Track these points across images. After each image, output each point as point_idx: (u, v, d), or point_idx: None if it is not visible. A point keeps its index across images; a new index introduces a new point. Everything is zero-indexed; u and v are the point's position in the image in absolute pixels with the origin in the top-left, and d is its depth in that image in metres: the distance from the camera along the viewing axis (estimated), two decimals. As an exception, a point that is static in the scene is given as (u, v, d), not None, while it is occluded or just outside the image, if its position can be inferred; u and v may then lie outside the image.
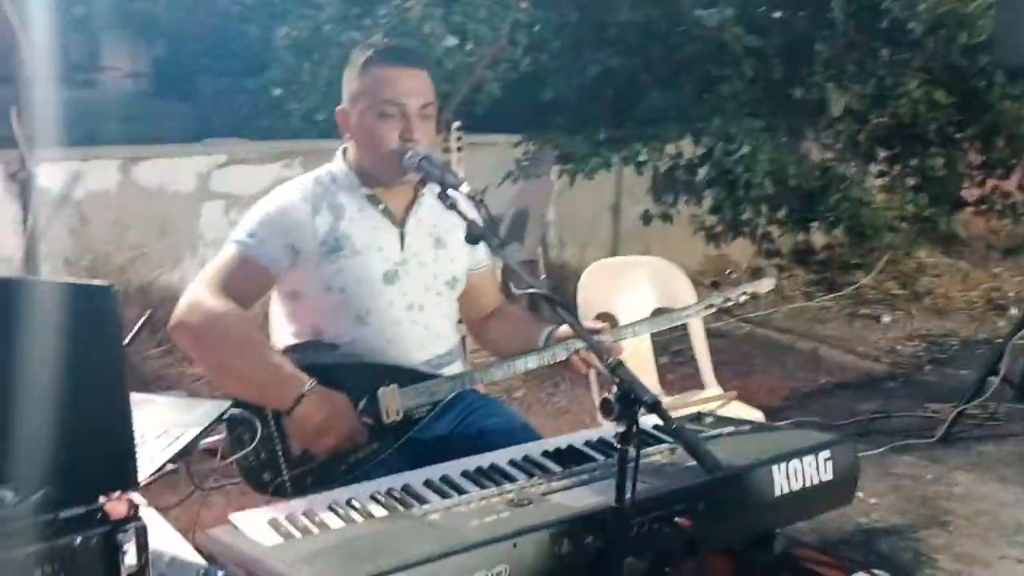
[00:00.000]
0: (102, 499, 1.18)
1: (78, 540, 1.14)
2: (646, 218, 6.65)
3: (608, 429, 1.83)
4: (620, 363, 1.46)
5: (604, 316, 2.86)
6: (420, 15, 5.76)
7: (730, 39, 6.29)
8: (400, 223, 2.10)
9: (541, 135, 6.20)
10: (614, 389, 1.44)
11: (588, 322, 2.11)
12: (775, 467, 1.64)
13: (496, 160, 6.03)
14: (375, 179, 2.07)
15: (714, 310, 2.28)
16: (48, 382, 1.16)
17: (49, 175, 4.57)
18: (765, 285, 2.43)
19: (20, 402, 1.17)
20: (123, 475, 1.20)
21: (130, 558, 1.19)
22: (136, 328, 2.06)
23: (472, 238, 1.79)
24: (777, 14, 6.88)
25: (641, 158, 6.40)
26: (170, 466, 1.31)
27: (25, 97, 3.56)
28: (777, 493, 1.64)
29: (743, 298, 2.34)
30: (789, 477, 1.65)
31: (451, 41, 5.70)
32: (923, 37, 6.55)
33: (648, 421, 1.79)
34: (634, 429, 1.41)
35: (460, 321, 2.26)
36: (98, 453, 1.19)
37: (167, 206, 5.06)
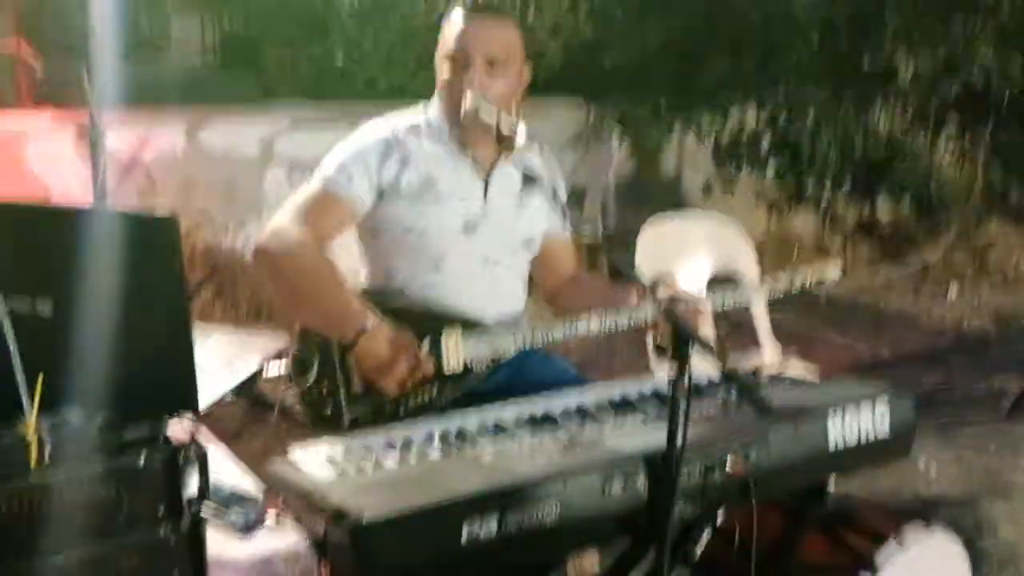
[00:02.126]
0: (165, 421, 1.22)
1: (141, 461, 1.18)
2: (707, 189, 6.58)
3: (660, 381, 1.83)
4: (675, 302, 1.46)
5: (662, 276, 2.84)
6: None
7: (796, 7, 6.16)
8: (486, 175, 2.11)
9: (602, 102, 6.16)
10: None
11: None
12: (830, 415, 1.63)
13: (558, 126, 6.01)
14: (459, 128, 2.08)
15: (779, 295, 2.22)
16: (114, 307, 1.20)
17: (119, 137, 4.68)
18: (831, 273, 2.35)
19: (87, 326, 1.21)
20: (186, 399, 1.23)
21: (192, 481, 1.23)
22: (199, 281, 2.11)
23: (528, 181, 1.79)
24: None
25: (703, 126, 6.32)
26: (230, 396, 1.34)
27: (96, 62, 3.65)
28: (832, 442, 1.63)
29: (808, 284, 2.27)
30: (844, 426, 1.63)
31: (514, 7, 5.68)
32: (997, 2, 6.34)
33: (703, 375, 1.80)
34: (687, 369, 1.41)
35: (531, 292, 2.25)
36: (161, 377, 1.23)
37: (232, 170, 5.15)
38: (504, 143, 1.91)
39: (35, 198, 4.51)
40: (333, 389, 1.95)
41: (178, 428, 1.23)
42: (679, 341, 1.39)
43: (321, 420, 1.96)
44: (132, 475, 1.19)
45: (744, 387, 1.40)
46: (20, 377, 1.16)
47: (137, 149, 4.88)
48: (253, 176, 5.23)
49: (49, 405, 1.18)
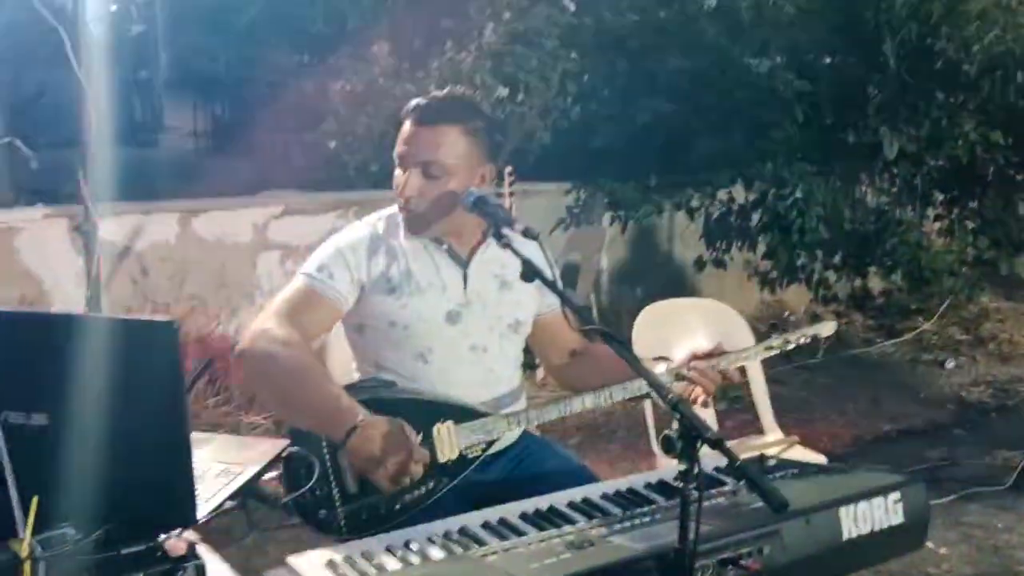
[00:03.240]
0: (162, 537, 1.18)
1: (139, 577, 1.13)
2: (699, 264, 6.60)
3: (667, 472, 1.80)
4: (681, 399, 1.44)
5: (660, 360, 2.82)
6: (471, 67, 5.85)
7: (781, 85, 6.27)
8: (464, 264, 2.11)
9: (592, 182, 6.22)
10: (674, 426, 1.42)
11: (648, 360, 2.08)
12: (843, 508, 1.59)
13: (548, 208, 6.05)
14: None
15: (775, 352, 2.24)
16: (111, 419, 1.17)
17: (112, 228, 4.68)
18: (827, 328, 2.38)
19: (83, 439, 1.18)
20: (182, 513, 1.20)
21: (190, 596, 1.18)
22: (194, 377, 2.09)
23: (528, 276, 1.79)
24: (828, 59, 6.85)
25: (693, 204, 6.38)
26: (228, 504, 1.31)
27: (90, 154, 3.68)
28: (845, 536, 1.59)
29: (804, 340, 2.29)
30: (858, 519, 1.60)
31: (502, 91, 5.77)
32: (978, 78, 6.46)
33: (709, 463, 1.77)
34: (696, 466, 1.38)
35: (538, 365, 2.24)
36: (158, 490, 1.20)
37: (225, 257, 5.15)
38: (501, 227, 1.90)
39: (27, 293, 4.49)
40: (327, 491, 1.91)
41: (175, 541, 1.19)
42: (688, 438, 1.36)
43: (318, 523, 1.92)
44: (128, 593, 1.14)
45: (755, 482, 1.36)
46: (14, 493, 1.12)
47: (130, 238, 4.88)
48: (246, 262, 5.22)
49: (43, 521, 1.14)
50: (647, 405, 3.04)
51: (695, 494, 1.39)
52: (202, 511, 1.27)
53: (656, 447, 2.97)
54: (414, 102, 2.08)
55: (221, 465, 1.43)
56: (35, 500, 1.09)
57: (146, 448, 1.17)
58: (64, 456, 1.17)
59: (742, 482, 1.53)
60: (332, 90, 6.30)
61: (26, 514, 1.11)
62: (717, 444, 1.37)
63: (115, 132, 4.46)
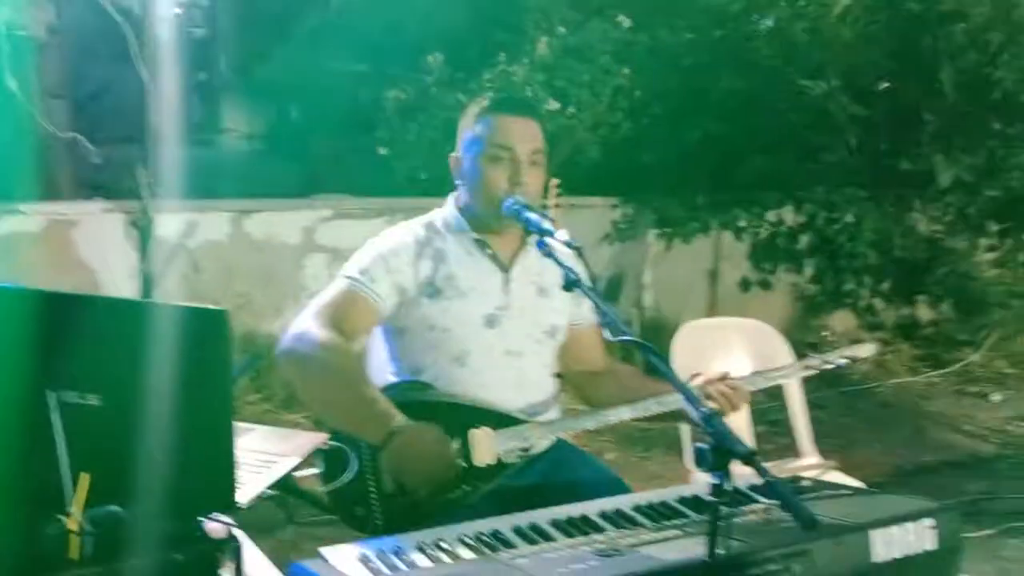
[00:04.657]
0: (203, 519, 1.22)
1: (181, 556, 1.17)
2: (744, 284, 6.57)
3: (699, 486, 1.81)
4: (715, 413, 1.45)
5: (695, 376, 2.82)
6: (523, 79, 5.88)
7: (835, 108, 6.22)
8: (506, 268, 2.14)
9: (639, 198, 6.23)
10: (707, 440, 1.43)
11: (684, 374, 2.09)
12: (874, 531, 1.59)
13: (593, 222, 6.07)
14: (483, 224, 2.13)
15: (812, 372, 2.23)
16: (161, 402, 1.21)
17: (166, 225, 4.80)
18: (865, 350, 2.37)
19: (132, 420, 1.22)
20: (223, 497, 1.24)
21: (227, 577, 1.22)
22: (238, 372, 2.13)
23: (568, 285, 1.81)
24: (883, 85, 6.79)
25: (740, 224, 6.36)
26: (267, 492, 1.35)
27: (151, 152, 3.78)
28: (875, 558, 1.58)
29: (843, 361, 2.28)
30: (889, 543, 1.59)
31: (553, 105, 5.80)
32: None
33: (742, 480, 1.78)
34: (727, 481, 1.39)
35: (559, 375, 2.26)
36: (202, 474, 1.24)
37: (273, 257, 5.24)
38: (544, 236, 1.93)
39: (80, 283, 4.61)
40: (364, 489, 1.94)
41: (215, 524, 1.23)
42: (720, 453, 1.37)
43: (353, 519, 1.95)
44: (172, 570, 1.19)
45: (786, 499, 1.37)
46: (65, 470, 1.17)
47: (183, 235, 4.99)
48: (293, 263, 5.31)
49: (90, 497, 1.19)
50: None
51: (725, 508, 1.40)
52: (242, 498, 1.30)
53: (689, 463, 2.97)
54: (490, 97, 2.13)
55: (262, 455, 1.47)
56: (86, 477, 1.13)
57: (192, 432, 1.22)
58: (114, 436, 1.21)
59: (775, 500, 1.54)
60: (386, 98, 6.38)
61: (75, 488, 1.15)
62: (749, 459, 1.38)
63: (174, 131, 4.58)
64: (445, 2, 7.31)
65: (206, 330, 1.20)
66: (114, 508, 1.18)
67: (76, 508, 1.14)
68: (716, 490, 1.40)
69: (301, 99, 9.42)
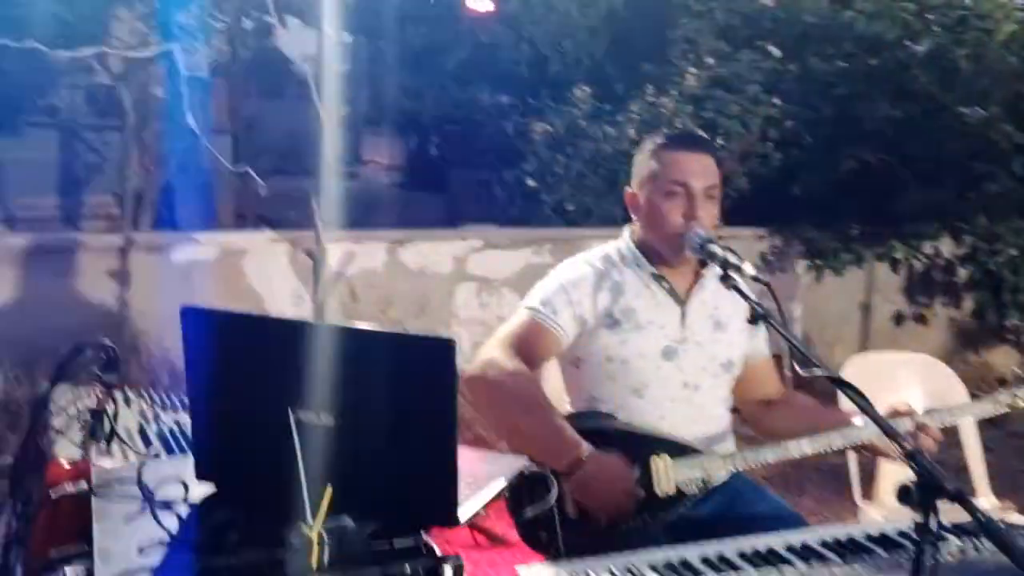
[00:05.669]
0: (426, 534, 1.29)
1: (408, 568, 1.25)
2: (898, 318, 6.37)
3: (887, 525, 1.78)
4: (919, 450, 1.43)
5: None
6: (672, 111, 5.91)
7: (997, 136, 5.99)
8: (682, 302, 2.17)
9: (788, 229, 6.13)
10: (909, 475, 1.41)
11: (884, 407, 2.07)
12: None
13: (741, 253, 5.97)
14: (660, 258, 2.16)
15: (1003, 411, 2.16)
16: (389, 423, 1.29)
17: (328, 254, 5.03)
18: None
19: (362, 439, 1.31)
20: (445, 514, 1.30)
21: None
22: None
23: (754, 318, 1.83)
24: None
25: (897, 255, 6.17)
26: (482, 512, 1.41)
27: (321, 184, 4.00)
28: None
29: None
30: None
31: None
32: None
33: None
34: (933, 519, 1.37)
35: (735, 409, 2.27)
36: (426, 492, 1.31)
37: (426, 286, 5.40)
38: (728, 270, 1.95)
39: (252, 309, 4.87)
40: (548, 514, 1.99)
41: (438, 539, 1.30)
42: (927, 490, 1.36)
43: (536, 543, 2.00)
44: (399, 581, 1.26)
45: (1002, 538, 1.34)
46: (304, 484, 1.26)
47: (342, 264, 5.20)
48: (445, 291, 5.46)
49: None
50: (850, 456, 2.97)
51: (930, 548, 1.38)
52: (462, 516, 1.37)
53: (860, 498, 2.91)
54: (665, 133, 2.18)
55: (470, 476, 1.53)
56: (329, 490, 1.22)
57: (418, 452, 1.29)
58: (345, 453, 1.30)
59: (988, 540, 1.50)
60: (533, 130, 6.50)
61: (314, 502, 1.24)
62: (958, 497, 1.36)
63: (334, 164, 4.80)
64: (591, 35, 7.42)
65: (434, 356, 1.27)
66: (347, 520, 1.26)
67: (318, 520, 1.22)
68: (921, 528, 1.39)
69: (444, 131, 9.69)
